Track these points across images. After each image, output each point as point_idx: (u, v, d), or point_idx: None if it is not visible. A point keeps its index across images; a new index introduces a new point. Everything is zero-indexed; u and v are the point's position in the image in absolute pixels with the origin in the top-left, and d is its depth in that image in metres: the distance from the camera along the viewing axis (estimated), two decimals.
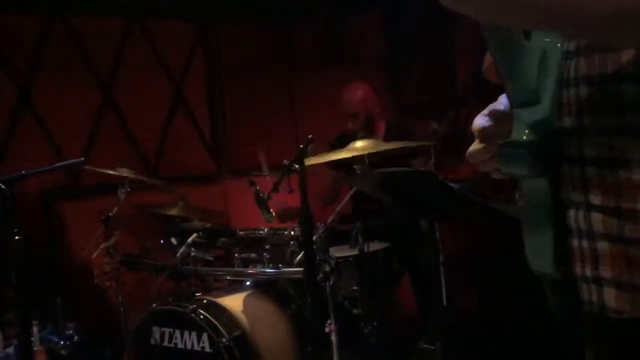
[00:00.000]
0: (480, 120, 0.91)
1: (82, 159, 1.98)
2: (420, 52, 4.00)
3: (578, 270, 0.78)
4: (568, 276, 0.80)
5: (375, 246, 2.70)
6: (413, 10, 3.98)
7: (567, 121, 0.77)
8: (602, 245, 0.74)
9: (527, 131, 0.79)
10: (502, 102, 0.91)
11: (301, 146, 1.97)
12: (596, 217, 0.74)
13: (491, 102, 2.31)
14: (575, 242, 0.78)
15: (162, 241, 2.84)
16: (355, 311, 2.52)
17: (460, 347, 2.40)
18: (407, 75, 4.11)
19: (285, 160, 2.04)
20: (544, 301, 1.90)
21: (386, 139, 3.15)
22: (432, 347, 2.45)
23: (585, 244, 0.76)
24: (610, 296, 0.74)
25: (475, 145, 0.92)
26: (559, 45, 0.79)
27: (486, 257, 2.98)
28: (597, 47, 0.75)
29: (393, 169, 1.74)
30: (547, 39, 0.80)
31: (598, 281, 0.76)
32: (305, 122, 4.25)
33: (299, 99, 4.38)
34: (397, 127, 3.31)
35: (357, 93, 3.24)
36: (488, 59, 2.07)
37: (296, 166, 1.94)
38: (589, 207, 0.75)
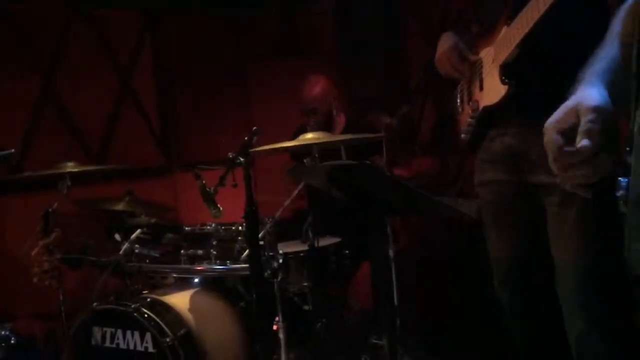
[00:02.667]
0: (555, 137, 0.85)
1: (12, 150, 1.87)
2: (373, 44, 3.98)
3: None
4: None
5: (326, 241, 2.66)
6: (366, 1, 3.95)
7: None
8: None
9: None
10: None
11: (246, 138, 1.90)
12: None
13: (443, 95, 2.27)
14: None
15: (105, 238, 2.73)
16: (305, 307, 2.48)
17: (410, 342, 2.39)
18: (360, 67, 4.08)
19: (230, 153, 1.97)
20: (493, 296, 1.90)
21: (346, 133, 3.11)
22: (382, 343, 2.43)
23: None
24: None
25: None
26: None
27: (438, 251, 2.99)
28: None
29: (339, 161, 1.69)
30: None
31: None
32: (258, 113, 4.17)
33: (252, 90, 4.31)
34: (356, 123, 3.28)
35: (317, 88, 3.21)
36: (439, 50, 2.05)
37: (241, 159, 1.87)
38: None
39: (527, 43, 1.58)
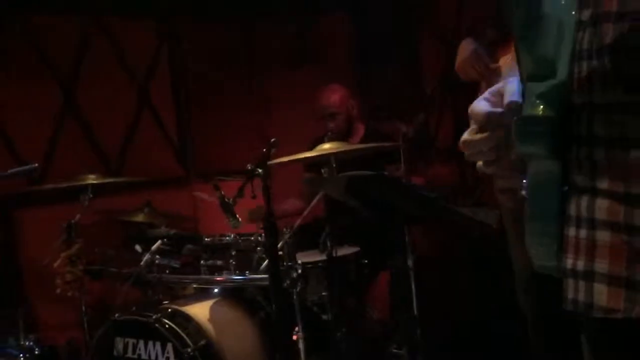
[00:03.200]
0: (483, 105, 0.85)
1: (36, 165, 1.91)
2: (387, 52, 3.99)
3: (569, 263, 0.73)
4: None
5: (344, 250, 2.66)
6: (380, 10, 3.96)
7: (577, 97, 0.71)
8: (603, 235, 0.69)
9: (542, 107, 0.73)
10: (507, 84, 0.84)
11: (264, 150, 1.92)
12: (601, 203, 0.69)
13: (461, 104, 2.27)
14: (571, 231, 0.72)
15: (126, 249, 2.77)
16: (324, 317, 2.48)
17: (430, 352, 2.38)
18: (375, 76, 4.09)
19: (248, 165, 1.99)
20: (514, 304, 1.89)
21: (365, 141, 3.12)
22: (402, 352, 2.42)
23: (583, 233, 0.71)
24: (601, 293, 0.69)
25: (473, 134, 0.86)
26: (573, 13, 0.72)
27: (458, 260, 2.98)
28: (612, 15, 0.68)
29: (357, 172, 1.70)
30: (562, 5, 0.73)
31: (590, 276, 0.70)
32: (274, 123, 4.20)
33: (267, 100, 4.33)
34: (375, 132, 3.29)
35: (337, 93, 3.23)
36: (459, 57, 2.05)
37: (259, 171, 1.89)
38: (594, 192, 0.70)
39: None
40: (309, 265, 2.40)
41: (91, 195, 2.75)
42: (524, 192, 0.85)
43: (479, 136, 0.85)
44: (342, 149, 2.14)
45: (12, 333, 2.81)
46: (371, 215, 2.33)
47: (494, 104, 0.86)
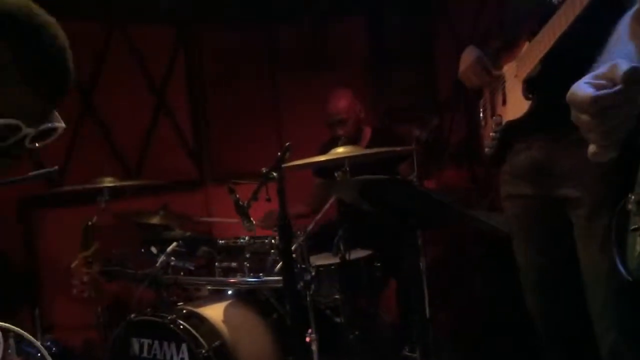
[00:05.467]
0: (588, 89, 0.79)
1: (56, 167, 1.92)
2: (403, 56, 4.00)
3: None
4: None
5: (357, 254, 2.68)
6: (396, 14, 3.98)
7: None
8: None
9: None
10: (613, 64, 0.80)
11: (279, 154, 1.95)
12: None
13: (474, 107, 2.26)
14: None
15: (142, 250, 2.80)
16: (337, 319, 2.50)
17: (443, 355, 2.38)
18: (390, 80, 4.10)
19: (263, 168, 2.02)
20: (524, 307, 1.89)
21: (372, 145, 3.14)
22: (415, 355, 2.43)
23: None
24: None
25: (581, 117, 0.80)
26: None
27: (471, 263, 2.98)
28: None
29: (370, 176, 1.72)
30: None
31: None
32: (289, 126, 4.23)
33: (282, 103, 4.36)
34: (383, 133, 3.31)
35: (344, 99, 3.25)
36: (463, 64, 2.06)
37: (274, 174, 1.91)
38: None
39: (550, 57, 1.59)
40: (322, 268, 2.42)
41: (108, 198, 2.79)
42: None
43: (590, 121, 0.79)
44: (356, 153, 2.16)
45: (29, 332, 2.85)
46: (384, 218, 2.34)
47: (599, 88, 0.81)
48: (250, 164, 2.91)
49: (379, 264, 2.69)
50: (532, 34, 1.65)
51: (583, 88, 0.80)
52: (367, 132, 3.30)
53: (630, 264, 0.85)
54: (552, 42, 1.53)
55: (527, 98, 1.68)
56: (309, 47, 4.31)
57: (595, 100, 0.79)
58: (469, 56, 1.95)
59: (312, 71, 4.18)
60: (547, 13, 1.57)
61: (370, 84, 4.14)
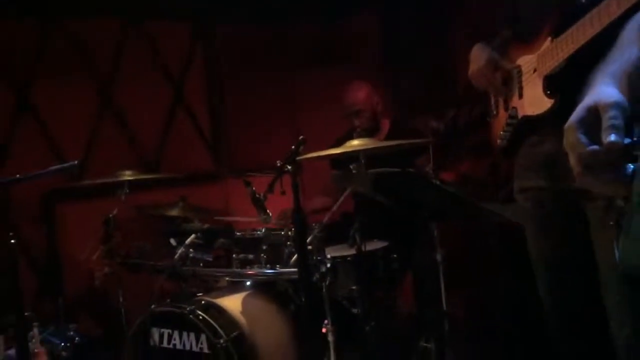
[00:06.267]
0: (581, 140, 0.83)
1: (76, 162, 1.99)
2: (418, 50, 3.99)
3: None
4: None
5: (374, 245, 2.69)
6: (410, 8, 3.96)
7: None
8: None
9: None
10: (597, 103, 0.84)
11: (293, 147, 1.97)
12: None
13: (490, 99, 2.23)
14: None
15: (161, 242, 2.85)
16: (354, 310, 2.52)
17: (459, 346, 2.39)
18: (406, 73, 4.09)
19: (278, 161, 2.04)
20: (539, 300, 1.89)
21: (390, 137, 3.15)
22: (430, 346, 2.44)
23: None
24: None
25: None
26: None
27: (488, 255, 2.97)
28: None
29: (384, 169, 1.73)
30: None
31: None
32: (305, 121, 4.24)
33: (298, 97, 4.38)
34: (401, 125, 3.31)
35: (361, 91, 3.27)
36: (473, 65, 2.05)
37: (289, 167, 1.93)
38: None
39: (575, 57, 1.57)
40: (338, 260, 2.44)
41: (127, 191, 2.84)
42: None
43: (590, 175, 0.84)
44: (372, 146, 2.17)
45: (53, 322, 2.92)
46: (399, 210, 2.35)
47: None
48: (268, 156, 2.94)
49: (395, 256, 2.71)
50: (556, 31, 1.63)
51: (578, 135, 0.84)
52: (386, 125, 3.30)
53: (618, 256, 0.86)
54: (581, 43, 1.52)
55: (549, 96, 1.67)
56: (325, 41, 4.32)
57: (588, 153, 0.83)
58: (479, 57, 1.92)
59: (328, 65, 4.19)
60: (573, 12, 1.55)
61: (387, 78, 4.14)
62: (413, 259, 2.81)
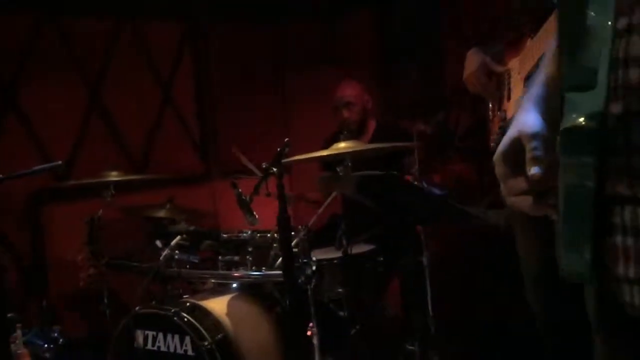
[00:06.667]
0: (506, 172, 0.87)
1: (59, 162, 1.97)
2: (410, 52, 4.00)
3: (621, 270, 0.75)
4: (604, 278, 0.77)
5: (360, 248, 2.69)
6: (403, 10, 3.97)
7: (614, 107, 0.73)
8: None
9: (583, 118, 0.74)
10: (528, 127, 0.86)
11: (278, 149, 1.96)
12: None
13: (481, 102, 2.25)
14: (619, 240, 0.74)
15: (148, 244, 2.83)
16: (340, 313, 2.51)
17: (444, 349, 2.39)
18: (397, 75, 4.10)
19: (264, 163, 2.03)
20: (525, 303, 1.89)
21: (375, 139, 3.15)
22: (416, 349, 2.44)
23: (630, 241, 0.73)
24: None
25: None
26: (609, 23, 0.74)
27: (472, 259, 2.98)
28: None
29: (367, 172, 1.72)
30: (602, 15, 0.74)
31: None
32: (296, 122, 4.24)
33: (290, 98, 4.37)
34: (387, 127, 3.31)
35: (353, 85, 3.30)
36: (467, 70, 2.06)
37: (274, 169, 1.93)
38: (636, 201, 0.71)
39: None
40: (324, 262, 2.43)
41: (113, 192, 2.82)
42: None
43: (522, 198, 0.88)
44: (357, 149, 2.16)
45: (36, 323, 2.90)
46: (384, 213, 2.35)
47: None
48: (257, 158, 2.93)
49: (382, 259, 2.71)
50: (534, 31, 1.64)
51: (499, 166, 0.88)
52: (371, 126, 3.31)
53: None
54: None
55: None
56: (317, 42, 4.32)
57: (511, 184, 0.86)
58: (473, 61, 1.94)
59: (320, 66, 4.19)
60: (549, 10, 1.55)
61: (377, 79, 4.14)
62: (399, 262, 2.81)
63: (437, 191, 2.31)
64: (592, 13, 0.75)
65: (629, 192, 0.72)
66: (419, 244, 2.35)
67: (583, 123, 0.74)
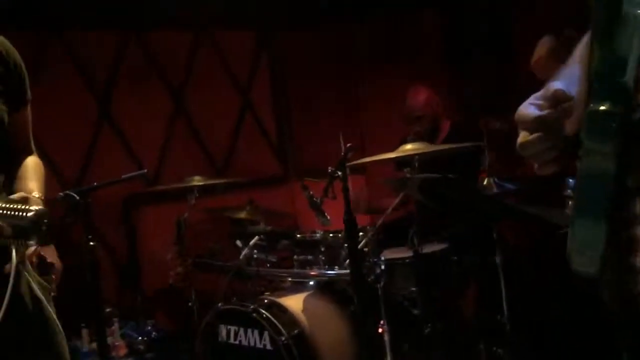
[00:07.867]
0: (532, 109, 0.87)
1: (145, 170, 2.16)
2: (480, 48, 3.93)
3: (637, 261, 0.76)
4: (618, 269, 0.78)
5: (433, 247, 2.71)
6: (473, 6, 3.92)
7: None
8: None
9: (609, 103, 0.76)
10: (554, 88, 0.87)
11: (342, 154, 2.03)
12: None
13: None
14: (639, 231, 0.75)
15: (230, 244, 2.99)
16: (415, 312, 2.54)
17: (519, 350, 2.37)
18: (469, 71, 4.05)
19: (329, 167, 2.11)
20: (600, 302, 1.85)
21: (449, 139, 3.14)
22: (495, 350, 2.42)
23: None
24: None
25: (528, 136, 0.88)
26: None
27: (547, 257, 2.91)
28: None
29: (428, 175, 1.76)
30: (627, 5, 0.76)
31: None
32: (368, 122, 4.28)
33: (362, 99, 4.42)
34: (462, 126, 3.29)
35: (421, 96, 3.25)
36: (536, 55, 2.04)
37: (339, 173, 2.00)
38: None
39: None
40: (395, 262, 2.48)
41: (197, 195, 3.00)
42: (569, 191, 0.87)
43: (534, 136, 0.87)
44: (422, 150, 2.20)
45: (132, 318, 3.14)
46: (450, 214, 2.36)
47: (540, 108, 0.88)
48: (332, 160, 3.02)
49: (455, 258, 2.71)
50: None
51: (528, 108, 0.87)
52: (446, 126, 3.29)
53: None
54: None
55: None
56: (385, 43, 4.33)
57: (536, 119, 0.85)
58: (542, 48, 1.93)
59: (389, 67, 4.20)
60: None
61: (448, 77, 4.10)
62: (472, 262, 2.80)
63: (510, 186, 2.27)
64: (634, 2, 0.76)
65: None
66: (492, 243, 2.33)
67: (608, 108, 0.75)
